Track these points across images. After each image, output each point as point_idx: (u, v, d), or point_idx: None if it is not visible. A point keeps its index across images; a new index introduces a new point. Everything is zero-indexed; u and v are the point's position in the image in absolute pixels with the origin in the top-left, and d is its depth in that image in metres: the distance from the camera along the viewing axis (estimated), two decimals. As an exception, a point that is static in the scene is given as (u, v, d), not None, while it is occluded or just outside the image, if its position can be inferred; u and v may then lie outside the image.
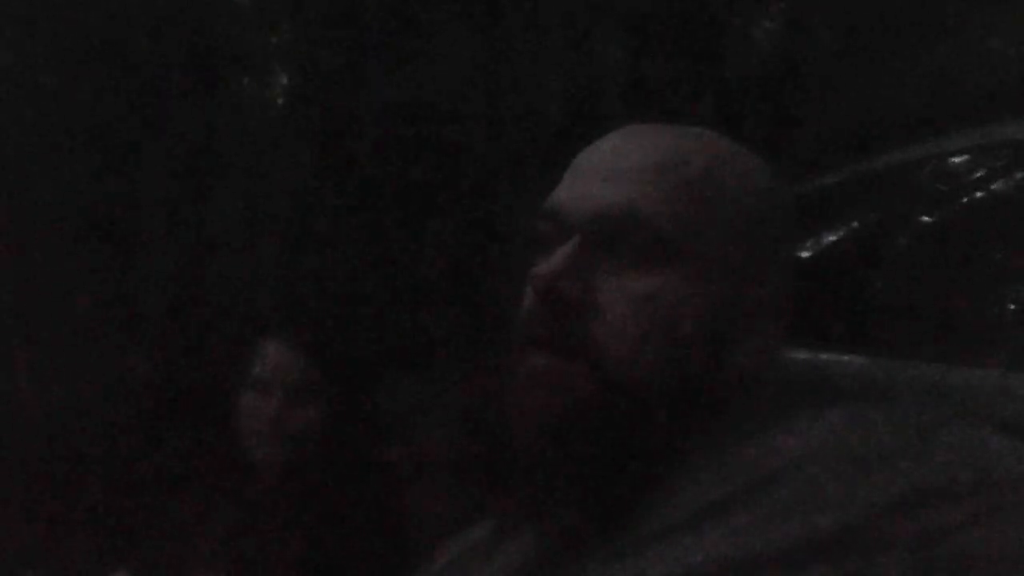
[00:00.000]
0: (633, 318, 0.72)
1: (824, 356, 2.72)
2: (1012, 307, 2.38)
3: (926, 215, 2.67)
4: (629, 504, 0.72)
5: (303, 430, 1.49)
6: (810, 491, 0.65)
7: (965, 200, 2.59)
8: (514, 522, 0.80)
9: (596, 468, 0.72)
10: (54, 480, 4.52)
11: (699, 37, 6.08)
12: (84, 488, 4.44)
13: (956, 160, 2.62)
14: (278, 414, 1.48)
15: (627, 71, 6.41)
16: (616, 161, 0.77)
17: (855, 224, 3.10)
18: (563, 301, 0.73)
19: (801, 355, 2.71)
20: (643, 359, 0.72)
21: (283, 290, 6.11)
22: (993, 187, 2.50)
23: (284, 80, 7.84)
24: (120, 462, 4.69)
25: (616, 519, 0.72)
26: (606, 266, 0.74)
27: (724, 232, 0.75)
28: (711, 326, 0.74)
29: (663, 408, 0.72)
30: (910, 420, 0.68)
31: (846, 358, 2.70)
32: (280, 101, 7.80)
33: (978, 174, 2.54)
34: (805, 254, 3.03)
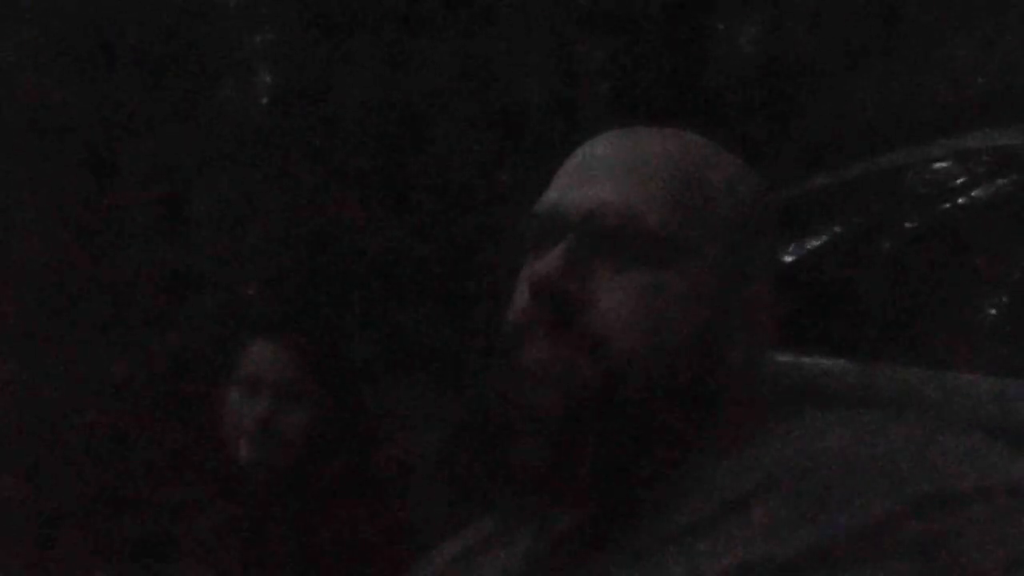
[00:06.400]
0: (631, 313, 0.73)
1: (807, 360, 2.73)
2: (993, 312, 2.40)
3: (909, 221, 2.69)
4: (630, 505, 0.72)
5: (292, 430, 1.47)
6: (813, 497, 0.65)
7: (947, 206, 2.60)
8: (514, 522, 0.80)
9: (598, 463, 0.73)
10: (37, 480, 4.49)
11: (683, 41, 6.10)
12: (66, 488, 4.42)
13: (939, 166, 2.63)
14: (267, 414, 1.46)
15: (611, 75, 6.43)
16: (608, 162, 0.78)
17: (838, 229, 3.12)
18: (560, 298, 0.73)
19: (785, 359, 2.72)
20: (643, 350, 0.73)
21: (271, 290, 6.10)
22: (975, 193, 2.52)
23: (268, 80, 7.82)
24: (103, 463, 4.67)
25: (618, 520, 0.72)
26: (601, 265, 0.75)
27: (714, 233, 0.76)
28: (705, 325, 0.75)
29: (663, 401, 0.73)
30: (907, 427, 0.69)
31: (829, 362, 2.72)
32: (264, 101, 7.78)
33: (960, 180, 2.56)
34: (789, 259, 3.05)
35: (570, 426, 0.72)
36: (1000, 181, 2.42)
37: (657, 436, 0.73)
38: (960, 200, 2.56)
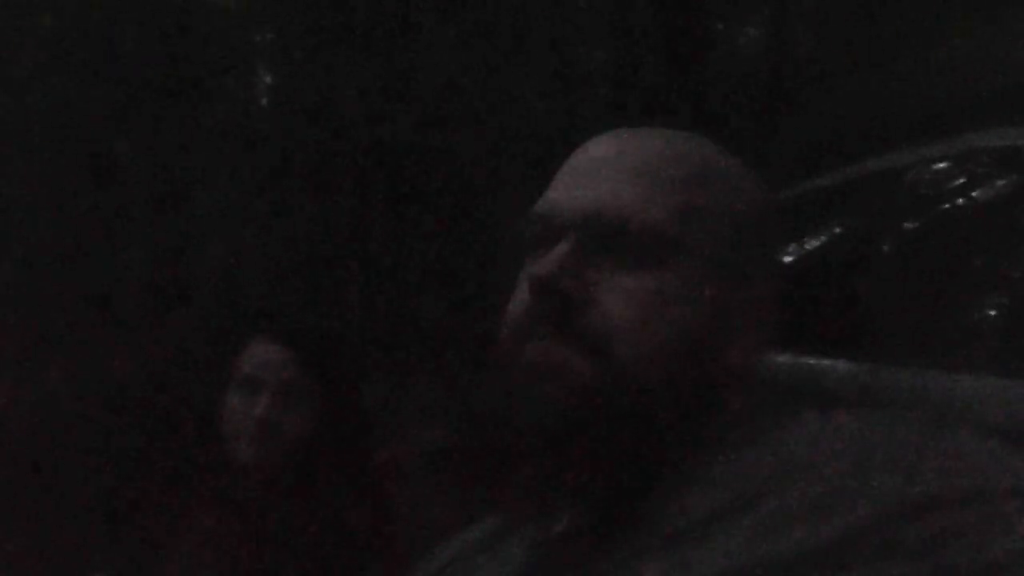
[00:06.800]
0: (631, 312, 0.73)
1: (806, 360, 2.74)
2: (992, 313, 2.40)
3: (908, 221, 2.68)
4: (630, 505, 0.72)
5: (292, 430, 1.47)
6: (813, 498, 0.65)
7: (947, 207, 2.60)
8: (514, 522, 0.80)
9: (598, 461, 0.72)
10: (34, 481, 4.49)
11: (684, 43, 6.10)
12: (65, 489, 4.42)
13: (938, 167, 2.63)
14: (267, 414, 1.46)
15: (612, 76, 6.43)
16: (609, 162, 0.78)
17: (838, 229, 3.12)
18: (560, 298, 0.73)
19: (784, 359, 2.73)
20: (643, 348, 0.73)
21: (270, 289, 6.10)
22: (974, 194, 2.52)
23: (268, 80, 7.83)
24: (102, 463, 4.67)
25: (618, 520, 0.72)
26: (601, 264, 0.75)
27: (716, 233, 0.76)
28: (706, 325, 0.75)
29: (663, 401, 0.73)
30: (907, 427, 0.69)
31: (828, 362, 2.72)
32: (264, 101, 7.78)
33: (959, 181, 2.56)
34: (788, 259, 3.05)
35: (570, 426, 0.72)
36: (999, 182, 2.42)
37: (657, 436, 0.73)
38: (959, 201, 2.56)
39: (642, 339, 0.73)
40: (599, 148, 0.80)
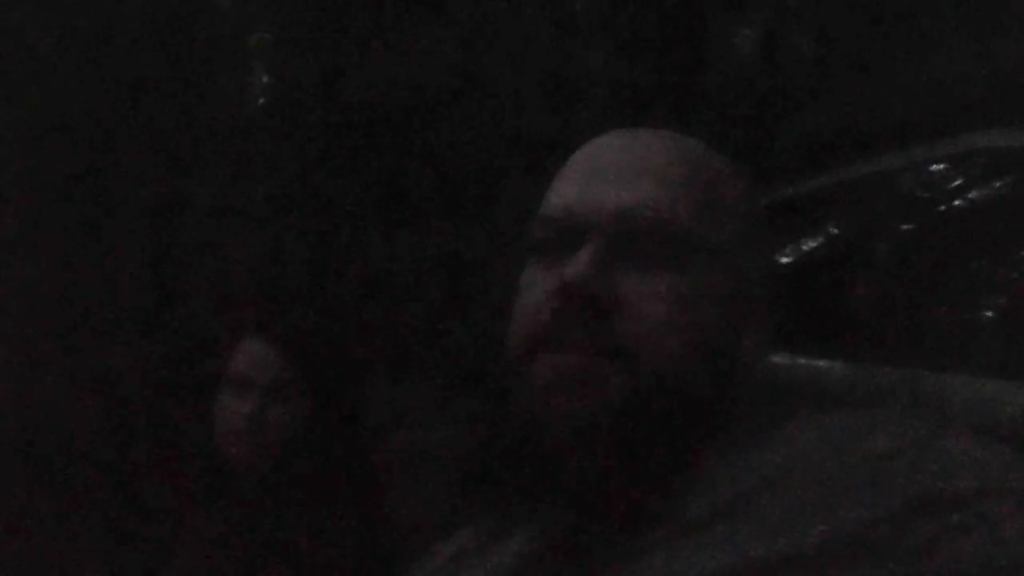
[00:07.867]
0: (660, 316, 0.72)
1: (803, 361, 2.74)
2: (988, 314, 2.40)
3: (904, 223, 2.69)
4: (631, 506, 0.72)
5: (281, 430, 1.47)
6: (812, 498, 0.65)
7: (943, 208, 2.61)
8: (512, 522, 0.80)
9: (628, 468, 0.72)
10: (26, 481, 4.49)
11: (680, 44, 6.11)
12: (59, 489, 4.41)
13: (934, 168, 2.64)
14: (255, 413, 1.46)
15: (608, 77, 6.44)
16: (626, 162, 0.77)
17: (834, 231, 3.12)
18: (592, 303, 0.72)
19: (781, 359, 2.73)
20: (674, 355, 0.72)
21: (263, 289, 6.10)
22: (970, 195, 2.52)
23: (264, 79, 7.83)
24: (97, 463, 4.66)
25: (620, 519, 0.72)
26: (629, 267, 0.74)
27: (726, 235, 0.76)
28: (724, 328, 0.75)
29: (688, 403, 0.73)
30: (906, 428, 0.69)
31: (824, 363, 2.72)
32: (261, 101, 7.78)
33: (955, 183, 2.57)
34: (785, 260, 3.05)
35: (603, 430, 0.71)
36: (996, 183, 2.42)
37: (680, 439, 0.72)
38: (956, 202, 2.56)
39: (672, 342, 0.73)
40: (606, 149, 0.80)
